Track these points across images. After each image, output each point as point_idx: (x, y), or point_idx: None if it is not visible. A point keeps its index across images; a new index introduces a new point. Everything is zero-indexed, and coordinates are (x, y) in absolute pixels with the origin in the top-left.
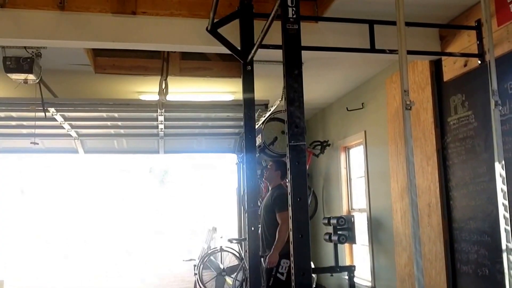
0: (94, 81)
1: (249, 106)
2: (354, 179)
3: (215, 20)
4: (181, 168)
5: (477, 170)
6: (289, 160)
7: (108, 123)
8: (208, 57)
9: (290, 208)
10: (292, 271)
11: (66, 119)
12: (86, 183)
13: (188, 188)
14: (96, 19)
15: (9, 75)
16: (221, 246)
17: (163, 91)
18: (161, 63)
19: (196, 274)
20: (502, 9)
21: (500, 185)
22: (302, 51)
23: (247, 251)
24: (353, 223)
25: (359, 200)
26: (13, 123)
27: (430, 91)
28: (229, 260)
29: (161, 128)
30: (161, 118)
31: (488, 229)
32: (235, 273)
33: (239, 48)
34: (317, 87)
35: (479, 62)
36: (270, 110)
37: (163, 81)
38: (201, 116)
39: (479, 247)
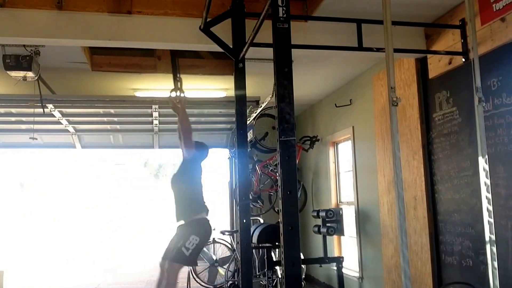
0: (91, 79)
1: (241, 102)
2: (342, 173)
3: (208, 19)
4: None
5: (461, 164)
6: (279, 154)
7: (105, 119)
8: (201, 55)
9: (280, 201)
10: (282, 261)
11: (64, 115)
12: (83, 176)
13: None
14: (93, 18)
15: (8, 72)
16: (213, 238)
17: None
18: (155, 61)
19: None
20: (486, 8)
21: (484, 179)
22: (292, 49)
23: (239, 242)
24: (341, 216)
25: (347, 193)
26: (13, 119)
27: (416, 88)
28: (222, 251)
29: (156, 124)
30: (155, 114)
31: (472, 221)
32: (227, 264)
33: (231, 46)
34: (307, 84)
35: (463, 60)
36: (261, 106)
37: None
38: (194, 112)
39: (463, 239)
